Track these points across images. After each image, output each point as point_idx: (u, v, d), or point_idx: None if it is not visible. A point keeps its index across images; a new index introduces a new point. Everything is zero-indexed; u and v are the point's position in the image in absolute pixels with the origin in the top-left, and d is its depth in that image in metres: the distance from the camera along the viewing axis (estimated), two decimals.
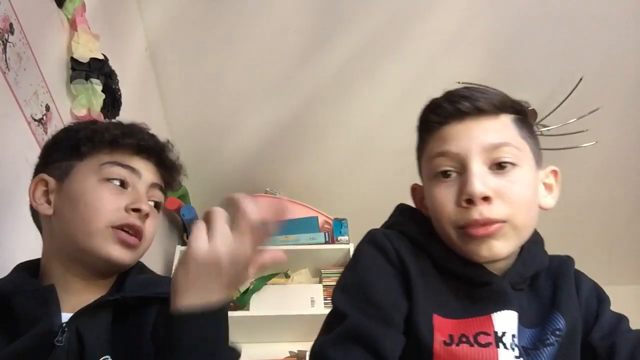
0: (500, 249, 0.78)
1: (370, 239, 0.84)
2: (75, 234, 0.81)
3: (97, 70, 1.42)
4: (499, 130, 0.81)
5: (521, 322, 0.78)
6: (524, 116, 0.86)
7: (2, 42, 1.08)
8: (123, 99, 1.56)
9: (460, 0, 1.96)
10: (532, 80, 2.21)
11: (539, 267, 0.85)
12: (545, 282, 0.85)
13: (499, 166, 0.78)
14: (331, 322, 0.77)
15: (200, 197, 2.69)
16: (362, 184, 2.63)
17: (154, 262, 2.10)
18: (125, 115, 1.59)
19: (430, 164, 0.82)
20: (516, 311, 0.78)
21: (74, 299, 0.80)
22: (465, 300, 0.80)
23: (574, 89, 2.15)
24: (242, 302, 2.36)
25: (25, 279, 0.82)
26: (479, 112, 0.81)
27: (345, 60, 2.15)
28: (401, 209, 0.93)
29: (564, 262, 0.90)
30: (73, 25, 1.41)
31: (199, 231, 0.66)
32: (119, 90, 1.53)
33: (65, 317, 0.77)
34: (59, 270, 0.83)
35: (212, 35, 2.07)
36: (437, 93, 0.87)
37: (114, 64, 1.52)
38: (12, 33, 1.12)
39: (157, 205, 0.89)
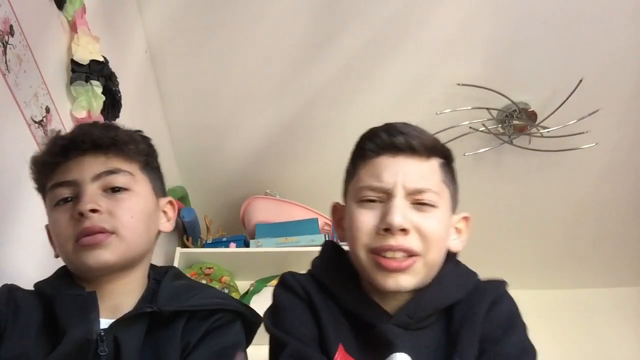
0: (407, 282, 0.82)
1: (281, 282, 0.92)
2: (65, 261, 0.87)
3: (97, 72, 1.42)
4: (425, 174, 0.86)
5: None
6: (449, 161, 0.92)
7: (2, 44, 1.08)
8: (123, 101, 1.56)
9: (461, 2, 1.96)
10: (532, 82, 2.21)
11: (441, 303, 0.85)
12: (460, 313, 0.85)
13: (420, 204, 0.84)
14: (274, 350, 0.84)
15: (200, 199, 2.69)
16: None
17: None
18: (126, 116, 1.59)
19: (359, 192, 0.86)
20: (407, 353, 0.78)
21: (109, 303, 0.83)
22: (363, 343, 0.83)
23: (573, 91, 2.15)
24: None
25: (69, 283, 0.85)
26: (411, 151, 0.86)
27: (345, 62, 2.15)
28: (321, 249, 0.97)
29: (487, 289, 0.89)
30: (73, 27, 1.41)
31: None
32: (119, 92, 1.53)
33: (103, 322, 0.80)
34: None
35: (212, 37, 2.07)
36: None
37: (114, 66, 1.52)
38: (12, 35, 1.12)
39: (117, 189, 0.85)
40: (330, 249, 0.96)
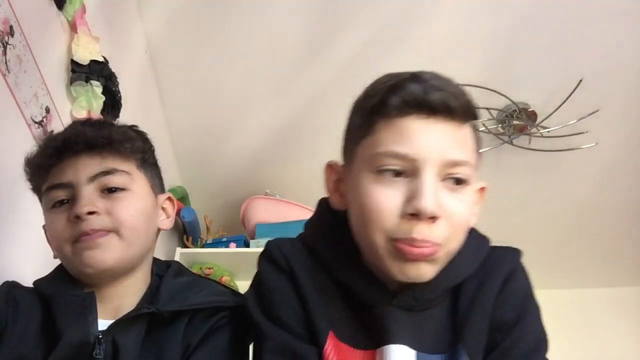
0: (429, 272, 0.70)
1: (264, 252, 0.82)
2: (64, 264, 0.85)
3: (97, 72, 1.42)
4: (462, 144, 0.71)
5: (422, 348, 0.71)
6: (476, 121, 0.78)
7: (2, 44, 1.08)
8: (123, 101, 1.57)
9: (461, 2, 1.96)
10: (532, 82, 2.21)
11: (453, 282, 0.75)
12: (469, 290, 0.76)
13: (452, 181, 0.70)
14: (258, 339, 0.76)
15: (200, 199, 2.69)
16: None
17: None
18: (126, 116, 1.59)
19: (377, 158, 0.70)
20: (405, 344, 0.69)
21: (109, 305, 0.82)
22: (358, 322, 0.74)
23: (573, 91, 2.15)
24: None
25: (67, 282, 0.84)
26: (448, 113, 0.70)
27: (345, 62, 2.15)
28: (316, 210, 0.84)
29: (499, 262, 0.78)
30: (73, 27, 1.41)
31: None
32: (119, 92, 1.53)
33: (102, 324, 0.79)
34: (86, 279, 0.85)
35: (212, 38, 2.07)
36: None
37: (114, 66, 1.52)
38: (12, 35, 1.12)
39: (114, 190, 0.83)
40: (327, 212, 0.81)
